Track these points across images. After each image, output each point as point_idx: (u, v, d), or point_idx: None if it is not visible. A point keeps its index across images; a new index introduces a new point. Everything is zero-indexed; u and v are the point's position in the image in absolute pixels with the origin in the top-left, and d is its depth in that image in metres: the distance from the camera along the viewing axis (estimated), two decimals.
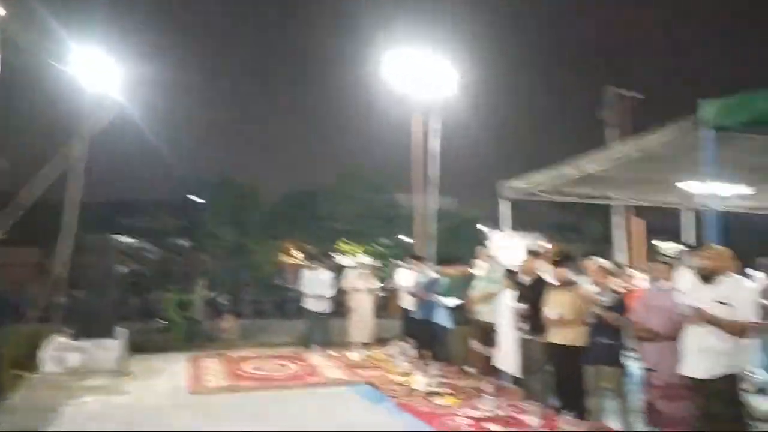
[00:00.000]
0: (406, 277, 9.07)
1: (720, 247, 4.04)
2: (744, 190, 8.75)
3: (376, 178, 18.45)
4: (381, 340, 9.23)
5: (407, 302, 8.79)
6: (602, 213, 14.09)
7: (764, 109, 5.37)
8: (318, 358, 8.43)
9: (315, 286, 9.35)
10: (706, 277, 3.96)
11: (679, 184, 8.74)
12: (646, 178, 8.93)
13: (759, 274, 6.58)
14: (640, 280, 6.61)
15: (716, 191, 8.61)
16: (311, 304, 9.31)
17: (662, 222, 12.34)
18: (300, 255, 16.86)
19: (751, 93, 5.50)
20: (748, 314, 3.77)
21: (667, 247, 9.36)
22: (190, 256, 15.64)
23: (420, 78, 11.76)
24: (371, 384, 6.68)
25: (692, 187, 8.62)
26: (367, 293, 9.23)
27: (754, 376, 5.07)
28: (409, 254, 10.61)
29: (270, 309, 14.97)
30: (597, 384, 4.83)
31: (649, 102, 14.29)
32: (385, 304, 10.26)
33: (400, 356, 7.70)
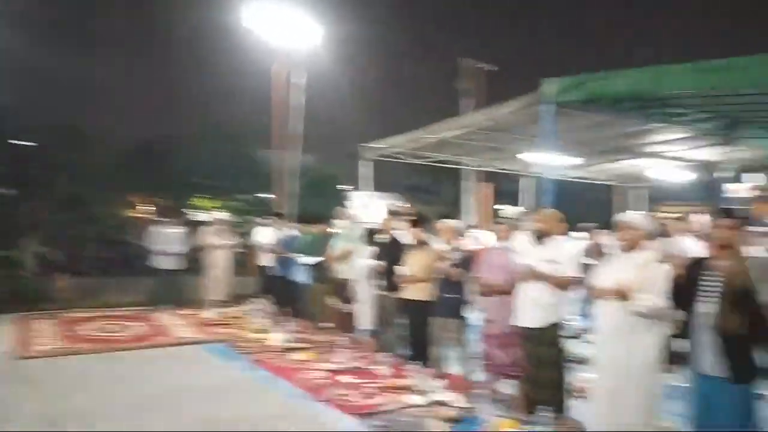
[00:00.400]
0: (265, 234, 8.93)
1: (550, 211, 4.51)
2: (575, 160, 9.83)
3: (237, 131, 17.65)
4: (238, 298, 9.04)
5: (266, 260, 8.68)
6: (455, 177, 14.98)
7: (597, 89, 6.01)
8: (168, 318, 8.04)
9: (165, 242, 8.82)
10: (538, 238, 4.42)
11: (519, 155, 9.60)
12: (495, 146, 9.69)
13: (581, 236, 7.47)
14: (486, 240, 7.21)
15: (551, 161, 9.58)
16: (161, 262, 8.79)
17: (508, 187, 13.49)
18: (149, 209, 15.72)
19: (588, 75, 6.13)
20: (570, 271, 4.29)
21: (509, 210, 10.27)
22: (16, 206, 13.78)
23: (283, 29, 11.34)
24: (225, 342, 6.55)
25: (532, 156, 9.51)
26: (223, 250, 8.93)
27: (573, 323, 5.82)
28: (269, 211, 10.43)
29: (116, 266, 13.83)
30: (442, 335, 5.23)
31: (505, 75, 15.34)
32: (244, 261, 10.03)
33: (257, 314, 7.62)
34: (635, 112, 7.23)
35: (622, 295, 3.62)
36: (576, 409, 4.25)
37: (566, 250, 4.39)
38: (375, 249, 6.20)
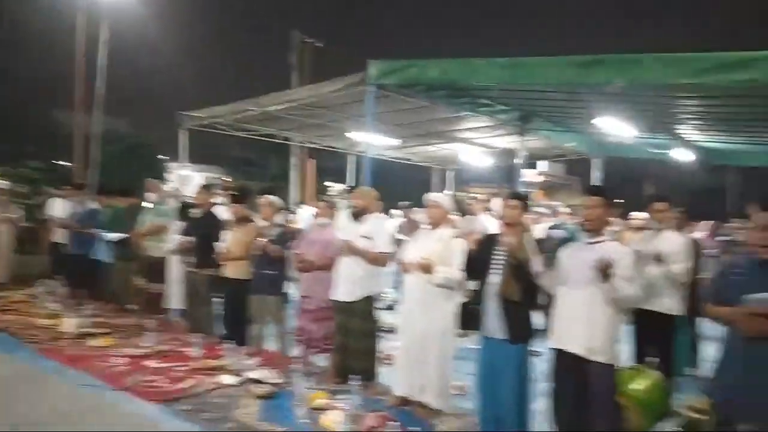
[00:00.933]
0: (59, 207, 7.85)
1: (367, 189, 4.66)
2: (395, 141, 10.29)
3: (30, 88, 15.23)
4: (23, 280, 7.85)
5: (59, 236, 7.66)
6: (283, 152, 14.74)
7: (414, 75, 6.31)
8: None
9: None
10: (356, 214, 4.54)
11: (348, 134, 9.79)
12: (322, 123, 9.72)
13: (398, 213, 7.84)
14: (308, 216, 7.24)
15: (374, 141, 9.90)
16: None
17: (337, 164, 13.68)
18: None
19: (407, 61, 6.41)
20: (384, 246, 4.48)
21: (333, 187, 10.43)
22: None
23: None
24: (5, 331, 5.65)
25: (358, 135, 9.76)
26: (3, 224, 7.67)
27: (386, 295, 6.13)
28: (65, 181, 9.19)
29: None
30: (260, 313, 5.14)
31: (335, 52, 15.35)
32: (33, 237, 8.74)
33: (46, 297, 6.69)
34: (448, 100, 7.80)
35: (424, 268, 3.89)
36: (385, 375, 4.49)
37: (381, 227, 4.57)
38: (184, 224, 5.83)
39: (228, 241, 5.31)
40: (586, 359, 3.17)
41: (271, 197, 5.41)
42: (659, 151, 10.15)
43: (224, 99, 8.55)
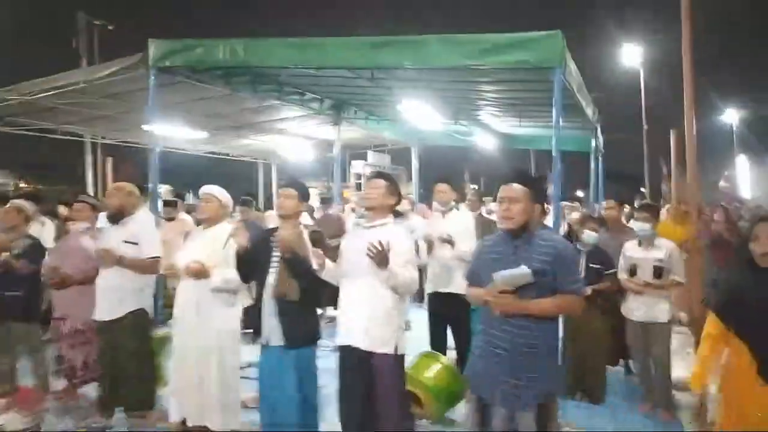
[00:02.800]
0: None
1: (123, 184, 3.96)
2: (199, 134, 9.45)
3: None
4: None
5: None
6: (78, 149, 12.87)
7: (199, 56, 5.67)
8: None
9: None
10: (113, 217, 3.83)
11: (144, 126, 8.72)
12: (110, 115, 8.53)
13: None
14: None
15: (169, 132, 8.97)
16: None
17: (143, 162, 12.24)
18: None
19: (189, 40, 5.73)
20: (152, 250, 3.84)
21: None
22: None
23: None
24: None
25: (155, 128, 8.71)
26: None
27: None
28: None
29: None
30: (6, 343, 4.18)
31: (137, 35, 13.72)
32: None
33: None
34: (253, 87, 7.25)
35: (196, 272, 3.38)
36: (166, 397, 3.86)
37: (146, 228, 3.93)
38: None
39: None
40: (369, 352, 2.93)
41: (18, 201, 4.44)
42: (465, 138, 10.67)
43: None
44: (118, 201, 3.80)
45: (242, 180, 16.02)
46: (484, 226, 5.48)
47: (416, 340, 4.36)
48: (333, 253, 3.20)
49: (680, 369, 4.65)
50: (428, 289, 4.70)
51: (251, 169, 15.65)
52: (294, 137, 11.54)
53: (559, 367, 2.52)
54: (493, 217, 9.86)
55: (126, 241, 3.78)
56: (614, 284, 4.43)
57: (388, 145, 13.91)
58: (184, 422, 3.48)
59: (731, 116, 25.28)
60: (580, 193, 15.00)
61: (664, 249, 4.19)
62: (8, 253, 4.11)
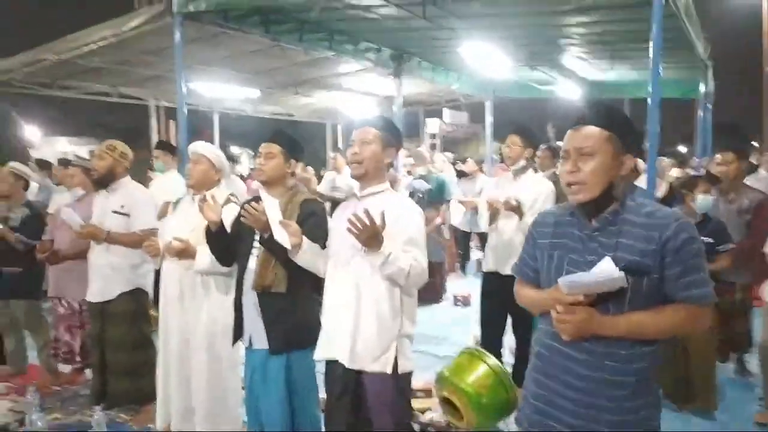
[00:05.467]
0: None
1: (117, 143, 3.36)
2: (251, 93, 8.88)
3: None
4: None
5: None
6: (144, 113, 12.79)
7: None
8: None
9: None
10: (100, 181, 3.27)
11: (189, 84, 8.28)
12: (160, 74, 8.13)
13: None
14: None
15: (224, 93, 8.47)
16: None
17: (203, 123, 11.97)
18: None
19: None
20: (144, 222, 3.26)
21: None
22: None
23: None
24: None
25: (201, 88, 8.27)
26: None
27: None
28: None
29: None
30: (12, 323, 3.83)
31: None
32: None
33: None
34: (299, 36, 6.49)
35: (179, 251, 2.73)
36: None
37: (138, 196, 3.33)
38: None
39: None
40: (357, 371, 2.14)
41: (15, 164, 4.01)
42: (546, 88, 9.38)
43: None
44: (106, 163, 3.22)
45: (310, 142, 15.48)
46: (560, 192, 4.47)
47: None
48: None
49: None
50: (486, 266, 3.76)
51: (319, 130, 15.09)
52: (356, 94, 10.76)
53: (657, 403, 1.60)
54: None
55: (115, 212, 3.22)
56: (732, 263, 3.37)
57: (460, 99, 12.75)
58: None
59: None
60: (682, 149, 13.12)
61: None
62: (2, 227, 3.70)
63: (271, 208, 2.24)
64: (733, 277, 3.55)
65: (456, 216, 5.76)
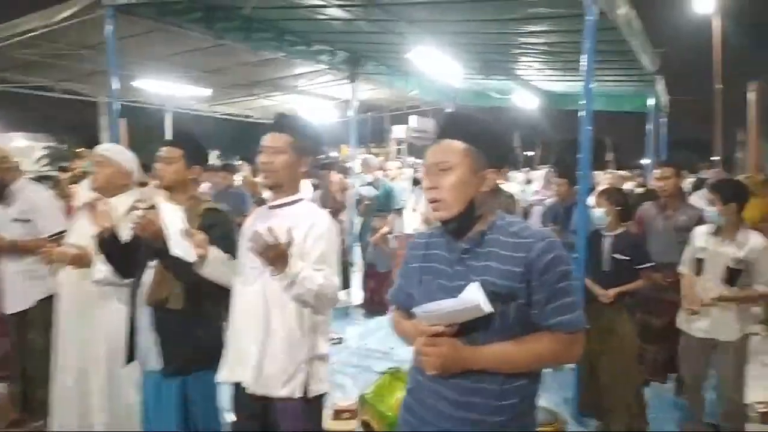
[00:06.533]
0: None
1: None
2: (203, 91, 8.62)
3: None
4: None
5: None
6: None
7: None
8: None
9: None
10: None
11: (133, 83, 7.99)
12: (104, 69, 7.80)
13: None
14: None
15: (170, 90, 8.19)
16: None
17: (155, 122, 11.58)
18: None
19: None
20: (53, 225, 3.04)
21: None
22: None
23: None
24: None
25: (149, 85, 7.99)
26: None
27: None
28: None
29: None
30: None
31: None
32: None
33: None
34: (239, 34, 6.28)
35: (74, 260, 2.53)
36: None
37: (40, 199, 3.10)
38: None
39: None
40: (264, 396, 1.99)
41: None
42: (503, 97, 9.37)
43: None
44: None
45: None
46: (499, 204, 4.41)
47: None
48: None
49: (754, 390, 3.52)
50: None
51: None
52: (314, 97, 10.57)
53: None
54: (527, 189, 8.60)
55: (16, 219, 3.00)
56: (654, 282, 3.34)
57: (421, 106, 12.69)
58: None
59: None
60: (647, 161, 13.31)
61: (748, 245, 2.98)
62: None
63: (171, 215, 2.06)
64: (670, 295, 3.52)
65: (409, 224, 5.66)
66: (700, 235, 3.16)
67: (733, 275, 2.94)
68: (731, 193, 3.03)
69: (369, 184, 5.92)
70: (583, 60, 3.47)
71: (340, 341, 4.86)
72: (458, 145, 1.43)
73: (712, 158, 12.02)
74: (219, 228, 2.22)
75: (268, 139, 2.09)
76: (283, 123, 2.14)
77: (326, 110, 11.24)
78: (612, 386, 3.24)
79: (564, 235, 4.04)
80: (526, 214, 6.46)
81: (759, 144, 5.85)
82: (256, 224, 1.99)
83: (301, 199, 2.10)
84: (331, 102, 11.00)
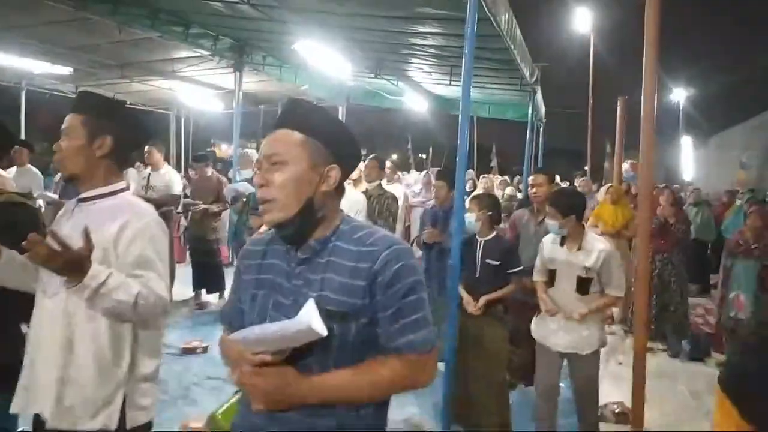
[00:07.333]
0: None
1: None
2: (61, 69, 7.72)
3: None
4: None
5: None
6: None
7: None
8: None
9: None
10: None
11: None
12: None
13: None
14: None
15: (32, 68, 7.26)
16: None
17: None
18: None
19: None
20: None
21: None
22: None
23: None
24: None
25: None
26: None
27: None
28: None
29: None
30: None
31: None
32: None
33: None
34: (105, 7, 5.63)
35: None
36: None
37: None
38: None
39: None
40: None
41: None
42: (394, 98, 9.35)
43: None
44: None
45: (152, 133, 14.14)
46: (381, 205, 4.29)
47: None
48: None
49: (609, 390, 3.65)
50: None
51: (163, 120, 13.85)
52: (197, 85, 9.91)
53: None
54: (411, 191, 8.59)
55: None
56: (524, 286, 3.36)
57: (314, 101, 12.39)
58: None
59: (679, 95, 24.68)
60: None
61: (594, 252, 3.02)
62: None
63: None
64: (538, 300, 3.55)
65: None
66: (548, 245, 3.19)
67: (585, 284, 2.99)
68: (567, 206, 3.06)
69: (245, 180, 5.54)
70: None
71: (204, 350, 4.47)
72: (295, 135, 1.23)
73: (585, 167, 12.94)
74: (21, 226, 1.82)
75: (64, 122, 1.75)
76: (77, 102, 1.80)
77: (211, 99, 10.59)
78: (480, 393, 3.20)
79: (444, 239, 4.00)
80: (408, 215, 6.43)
81: (623, 155, 6.27)
82: (61, 222, 1.63)
83: (117, 191, 1.76)
84: (216, 91, 10.38)
